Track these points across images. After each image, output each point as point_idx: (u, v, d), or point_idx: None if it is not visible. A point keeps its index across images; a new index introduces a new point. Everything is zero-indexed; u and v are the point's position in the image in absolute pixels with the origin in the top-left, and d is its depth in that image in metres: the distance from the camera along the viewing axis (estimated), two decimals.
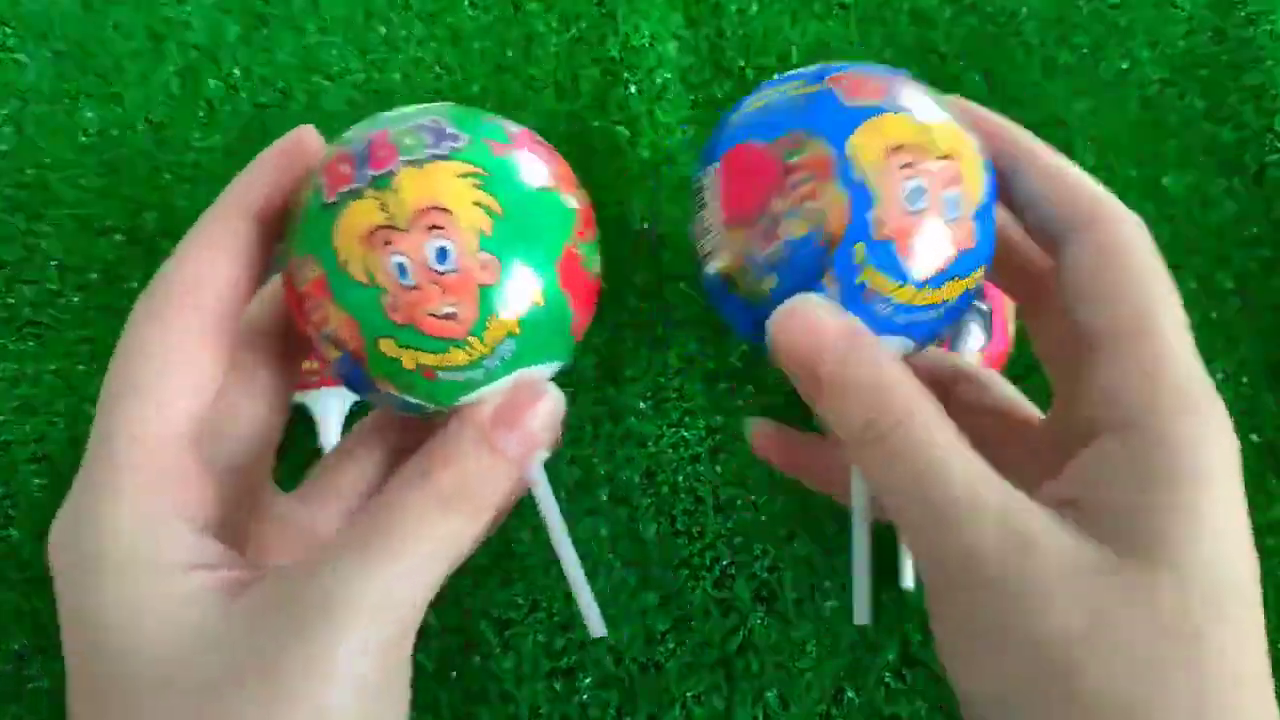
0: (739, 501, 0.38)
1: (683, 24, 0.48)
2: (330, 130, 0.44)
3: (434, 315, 0.20)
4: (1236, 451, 0.19)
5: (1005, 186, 0.23)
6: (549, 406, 0.21)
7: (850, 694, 0.35)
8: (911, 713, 0.35)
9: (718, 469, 0.39)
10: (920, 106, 0.22)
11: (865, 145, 0.20)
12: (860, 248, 0.20)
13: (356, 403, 0.37)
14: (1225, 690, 0.17)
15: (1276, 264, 0.43)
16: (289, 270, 0.22)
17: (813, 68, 0.23)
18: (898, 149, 0.20)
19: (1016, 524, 0.18)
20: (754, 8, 0.48)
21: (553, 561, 0.38)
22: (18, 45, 0.45)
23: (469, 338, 0.20)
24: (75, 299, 0.40)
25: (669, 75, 0.46)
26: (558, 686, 0.35)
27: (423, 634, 0.37)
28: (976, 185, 0.21)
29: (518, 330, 0.21)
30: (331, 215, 0.20)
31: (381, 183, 0.20)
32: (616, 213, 0.44)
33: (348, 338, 0.20)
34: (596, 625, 0.23)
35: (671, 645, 0.36)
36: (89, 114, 0.44)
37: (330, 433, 0.36)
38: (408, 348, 0.20)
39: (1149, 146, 0.45)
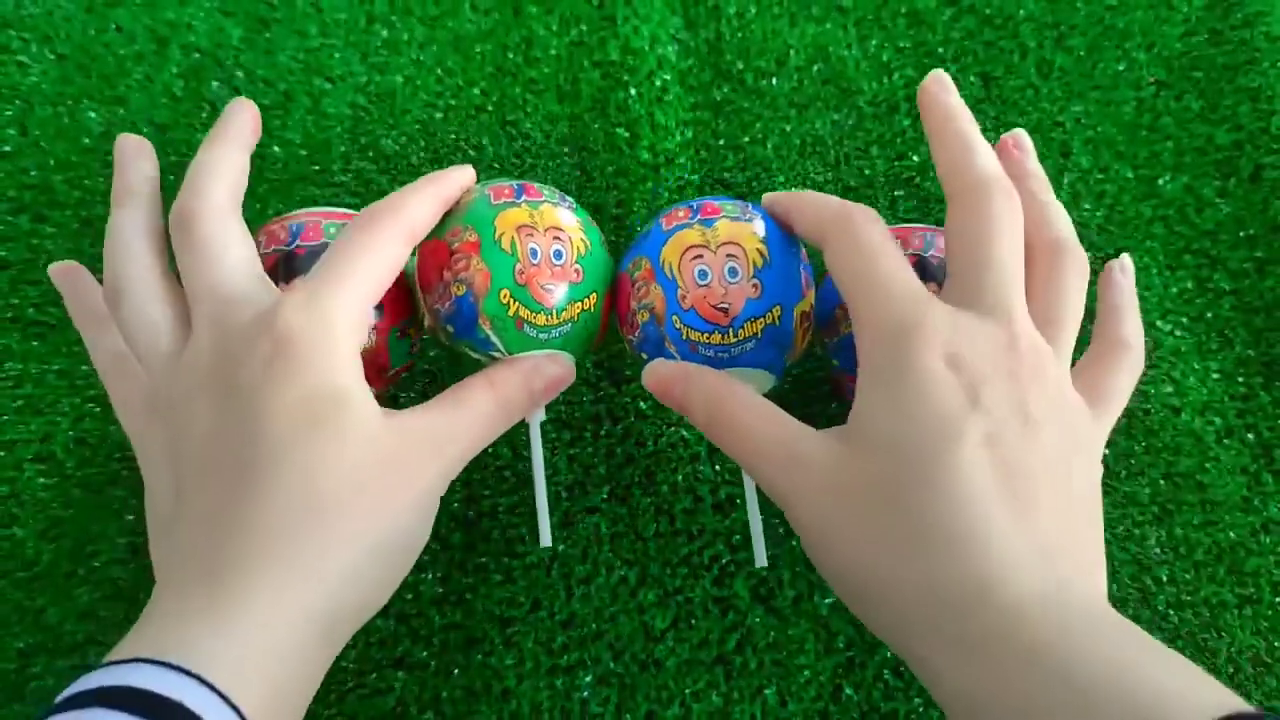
0: (738, 500, 0.38)
1: (682, 27, 0.48)
2: (331, 130, 0.44)
3: (541, 286, 0.32)
4: (932, 332, 0.26)
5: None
6: (560, 371, 0.34)
7: (849, 691, 0.35)
8: (909, 710, 0.35)
9: (717, 468, 0.39)
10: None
11: (669, 252, 0.32)
12: (676, 318, 0.32)
13: None
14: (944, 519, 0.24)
15: (1271, 265, 0.43)
16: (446, 235, 0.33)
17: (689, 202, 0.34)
18: (689, 249, 0.32)
19: (798, 449, 0.28)
20: (753, 10, 0.49)
21: (553, 560, 0.38)
22: (21, 48, 0.45)
23: (553, 309, 0.32)
24: None
25: (668, 78, 0.47)
26: (558, 683, 0.35)
27: (425, 631, 0.37)
28: (754, 257, 0.32)
29: (576, 319, 0.33)
30: (496, 211, 0.33)
31: (532, 204, 0.33)
32: (616, 214, 0.44)
33: (479, 283, 0.32)
34: (545, 537, 0.33)
35: (671, 643, 0.36)
36: (92, 116, 0.44)
37: None
38: (516, 300, 0.32)
39: (1145, 148, 0.46)
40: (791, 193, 0.33)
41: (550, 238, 0.33)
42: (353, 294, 0.29)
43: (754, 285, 0.31)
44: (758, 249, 0.32)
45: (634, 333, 0.33)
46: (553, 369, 0.33)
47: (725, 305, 0.31)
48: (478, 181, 0.35)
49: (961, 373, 0.25)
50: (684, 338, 0.31)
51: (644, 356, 0.33)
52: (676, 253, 0.32)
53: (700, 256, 0.31)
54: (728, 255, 0.31)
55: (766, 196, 0.33)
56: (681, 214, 0.33)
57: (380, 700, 0.36)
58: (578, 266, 0.33)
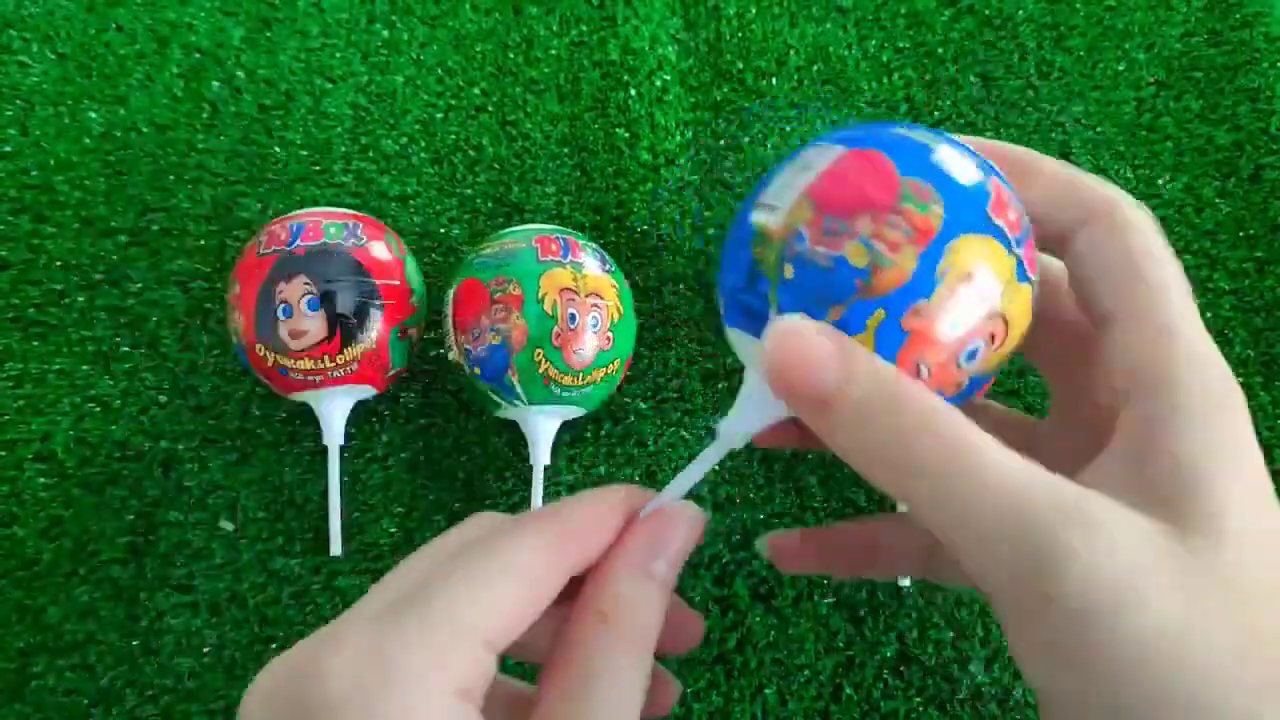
0: (738, 500, 0.38)
1: (681, 27, 0.48)
2: (332, 130, 0.44)
3: (574, 351, 0.34)
4: (1247, 417, 0.19)
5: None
6: (688, 525, 0.22)
7: (848, 690, 0.35)
8: (909, 709, 0.35)
9: (716, 468, 0.39)
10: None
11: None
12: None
13: (359, 402, 0.37)
14: None
15: (1271, 265, 0.43)
16: (490, 281, 0.35)
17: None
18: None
19: (1082, 510, 0.17)
20: (752, 11, 0.49)
21: None
22: (22, 48, 0.45)
23: (580, 371, 0.35)
24: (80, 299, 0.41)
25: (668, 78, 0.47)
26: None
27: None
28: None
29: (599, 381, 0.35)
30: (542, 269, 0.35)
31: (576, 266, 0.35)
32: (617, 214, 0.44)
33: (516, 338, 0.34)
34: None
35: None
36: (93, 116, 0.44)
37: (333, 430, 0.36)
38: (548, 360, 0.34)
39: (1145, 148, 0.46)
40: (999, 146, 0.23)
41: (590, 304, 0.35)
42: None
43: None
44: (1017, 347, 0.22)
45: (822, 247, 0.21)
46: (679, 547, 0.22)
47: (922, 370, 0.21)
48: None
49: None
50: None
51: (787, 272, 0.22)
52: (971, 263, 0.21)
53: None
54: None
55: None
56: (1010, 214, 0.21)
57: None
58: (610, 334, 0.35)
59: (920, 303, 0.20)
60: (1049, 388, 0.24)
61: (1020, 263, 0.20)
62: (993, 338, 0.20)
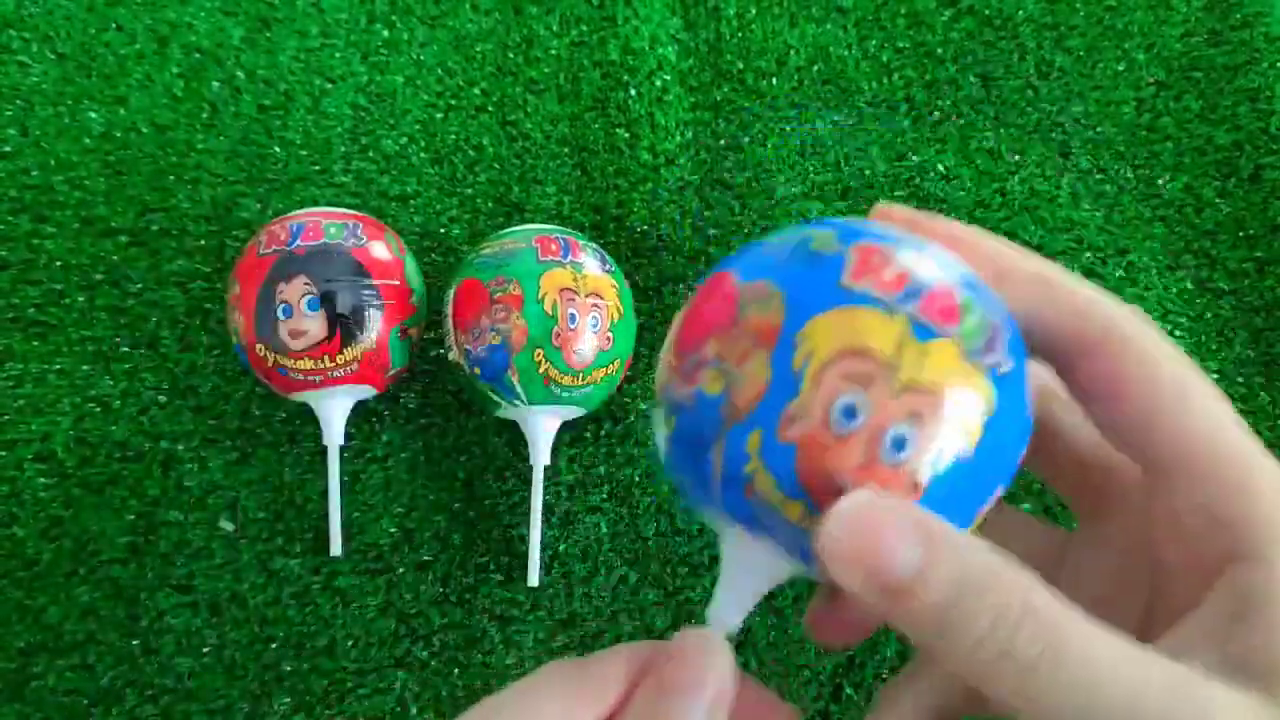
0: None
1: (681, 27, 0.48)
2: (332, 130, 0.44)
3: (574, 351, 0.34)
4: None
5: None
6: (722, 670, 0.19)
7: (849, 691, 0.35)
8: None
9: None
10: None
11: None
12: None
13: (359, 402, 0.37)
14: None
15: (1271, 265, 0.43)
16: (492, 281, 0.35)
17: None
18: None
19: (1210, 709, 0.15)
20: (752, 11, 0.49)
21: (553, 560, 0.38)
22: (22, 48, 0.45)
23: (580, 371, 0.35)
24: (79, 299, 0.41)
25: (668, 78, 0.47)
26: None
27: (424, 631, 0.37)
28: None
29: (599, 382, 0.35)
30: (542, 269, 0.35)
31: (576, 266, 0.35)
32: (617, 214, 0.44)
33: (516, 338, 0.34)
34: (533, 577, 0.35)
35: None
36: (93, 116, 0.44)
37: (333, 430, 0.36)
38: (548, 360, 0.34)
39: (1145, 148, 0.46)
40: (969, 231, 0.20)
41: (590, 304, 0.35)
42: None
43: (915, 484, 0.18)
44: (967, 431, 0.18)
45: (683, 387, 0.19)
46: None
47: (846, 482, 0.18)
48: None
49: None
50: (746, 469, 0.18)
51: (665, 426, 0.20)
52: (835, 343, 0.18)
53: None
54: (909, 415, 0.17)
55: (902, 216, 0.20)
56: (887, 273, 0.18)
57: (380, 700, 0.36)
58: (610, 334, 0.35)
59: (790, 407, 0.17)
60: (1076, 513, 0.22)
61: (914, 321, 0.17)
62: (918, 415, 0.16)
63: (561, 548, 0.38)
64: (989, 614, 0.15)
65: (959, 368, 0.17)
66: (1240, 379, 0.41)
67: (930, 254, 0.18)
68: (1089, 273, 0.43)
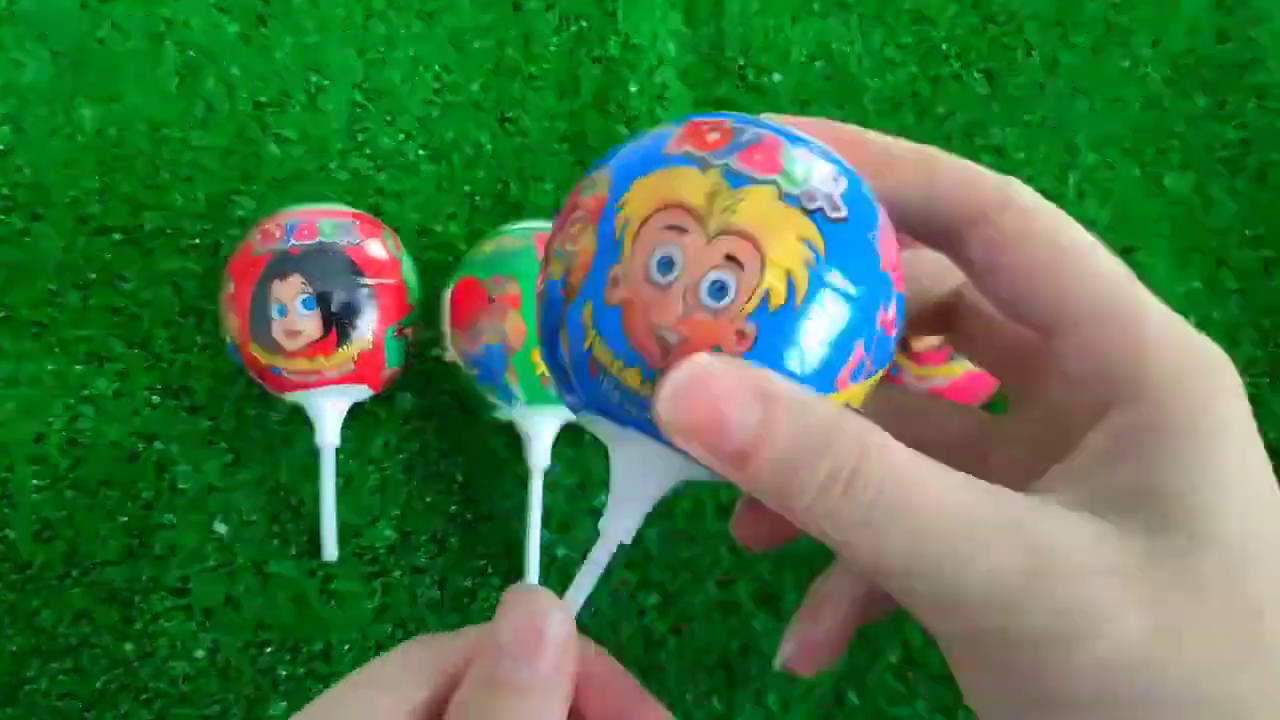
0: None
1: (682, 23, 0.48)
2: (328, 127, 0.43)
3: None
4: (1241, 390, 0.17)
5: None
6: (561, 621, 0.18)
7: (852, 696, 0.35)
8: (913, 714, 0.35)
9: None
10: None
11: (638, 197, 0.17)
12: (588, 308, 0.17)
13: (356, 404, 0.37)
14: None
15: (1278, 264, 0.43)
16: (490, 280, 0.33)
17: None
18: (668, 208, 0.17)
19: (1039, 538, 0.15)
20: (754, 6, 0.48)
21: (551, 563, 0.37)
22: (15, 45, 0.45)
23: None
24: (73, 298, 0.40)
25: (669, 74, 0.46)
26: None
27: (423, 634, 0.36)
28: (772, 280, 0.17)
29: None
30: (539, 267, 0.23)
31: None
32: None
33: (513, 338, 0.31)
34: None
35: (673, 647, 0.36)
36: (87, 113, 0.44)
37: (328, 432, 0.36)
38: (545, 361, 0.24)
39: (1151, 146, 0.45)
40: (857, 131, 0.19)
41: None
42: None
43: (740, 331, 0.17)
44: (788, 271, 0.17)
45: (539, 283, 0.19)
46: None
47: (672, 335, 0.17)
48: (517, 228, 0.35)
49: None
50: (585, 344, 0.18)
51: (537, 330, 0.20)
52: (652, 201, 0.17)
53: (680, 232, 0.17)
54: (726, 258, 0.17)
55: (804, 123, 0.19)
56: (711, 136, 0.18)
57: None
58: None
59: (613, 270, 0.17)
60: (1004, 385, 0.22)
61: (728, 172, 0.16)
62: (734, 259, 0.16)
63: (560, 551, 0.38)
64: (824, 471, 0.15)
65: (775, 209, 0.16)
66: (1248, 379, 0.41)
67: (774, 124, 0.18)
68: None
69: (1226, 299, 0.42)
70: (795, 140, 0.17)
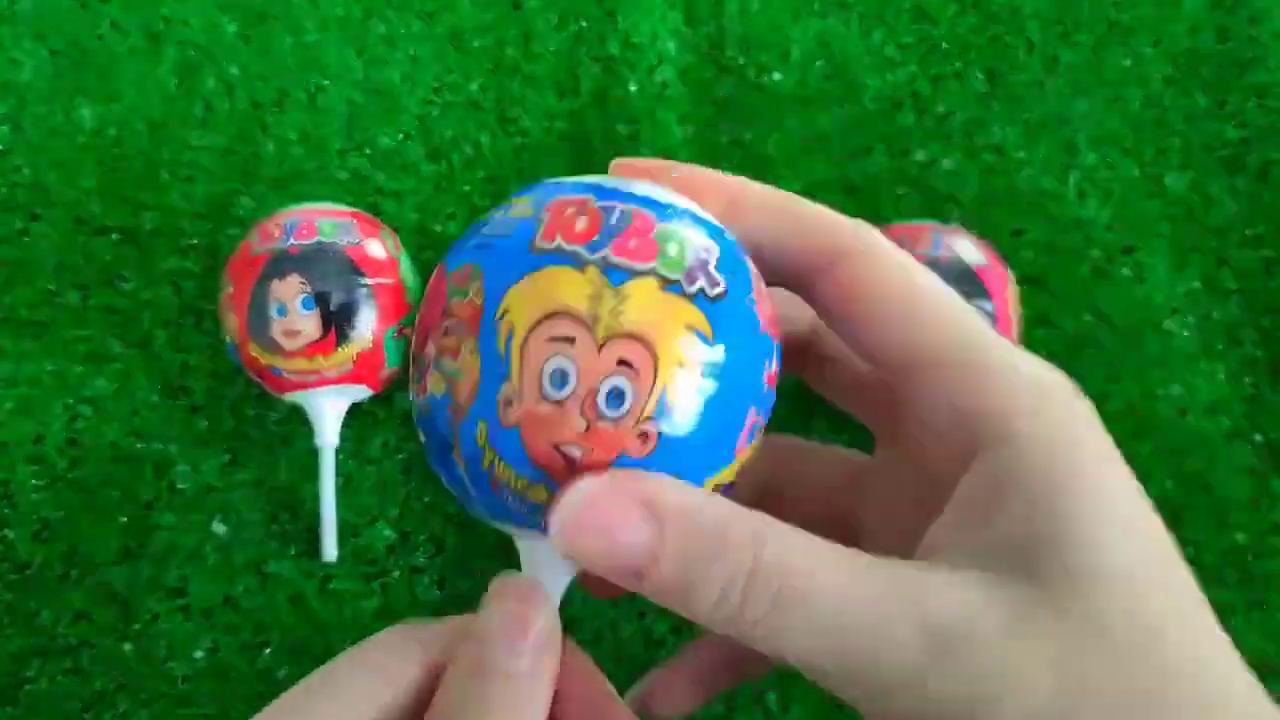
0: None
1: (683, 22, 0.47)
2: (327, 127, 0.43)
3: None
4: (1093, 413, 0.18)
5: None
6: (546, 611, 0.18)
7: None
8: None
9: None
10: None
11: (517, 301, 0.17)
12: (483, 428, 0.17)
13: (355, 404, 0.37)
14: (1203, 682, 0.16)
15: (1279, 263, 0.43)
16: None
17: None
18: (552, 317, 0.16)
19: (939, 616, 0.15)
20: (755, 5, 0.48)
21: None
22: (14, 44, 0.45)
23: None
24: (72, 298, 0.40)
25: (669, 74, 0.46)
26: None
27: None
28: (666, 375, 0.17)
29: None
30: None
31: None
32: None
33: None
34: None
35: (672, 648, 0.36)
36: (86, 113, 0.44)
37: (327, 432, 0.36)
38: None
39: (1151, 145, 0.45)
40: (706, 175, 0.20)
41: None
42: None
43: (643, 434, 0.16)
44: (686, 357, 0.16)
45: (419, 395, 0.18)
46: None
47: (576, 450, 0.16)
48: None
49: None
50: (485, 464, 0.17)
51: (420, 437, 0.19)
52: (534, 312, 0.16)
53: (569, 343, 0.16)
54: (619, 363, 0.16)
55: (663, 170, 0.20)
56: (579, 223, 0.17)
57: None
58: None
59: (505, 388, 0.16)
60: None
61: (605, 267, 0.16)
62: (627, 363, 0.16)
63: None
64: (720, 579, 0.15)
65: (660, 303, 0.16)
66: (1249, 379, 0.40)
67: (635, 192, 0.17)
68: (1095, 271, 0.42)
69: (1226, 299, 0.42)
70: (663, 212, 0.17)
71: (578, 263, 0.16)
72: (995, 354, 0.18)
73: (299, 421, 0.39)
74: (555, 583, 0.18)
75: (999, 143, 0.45)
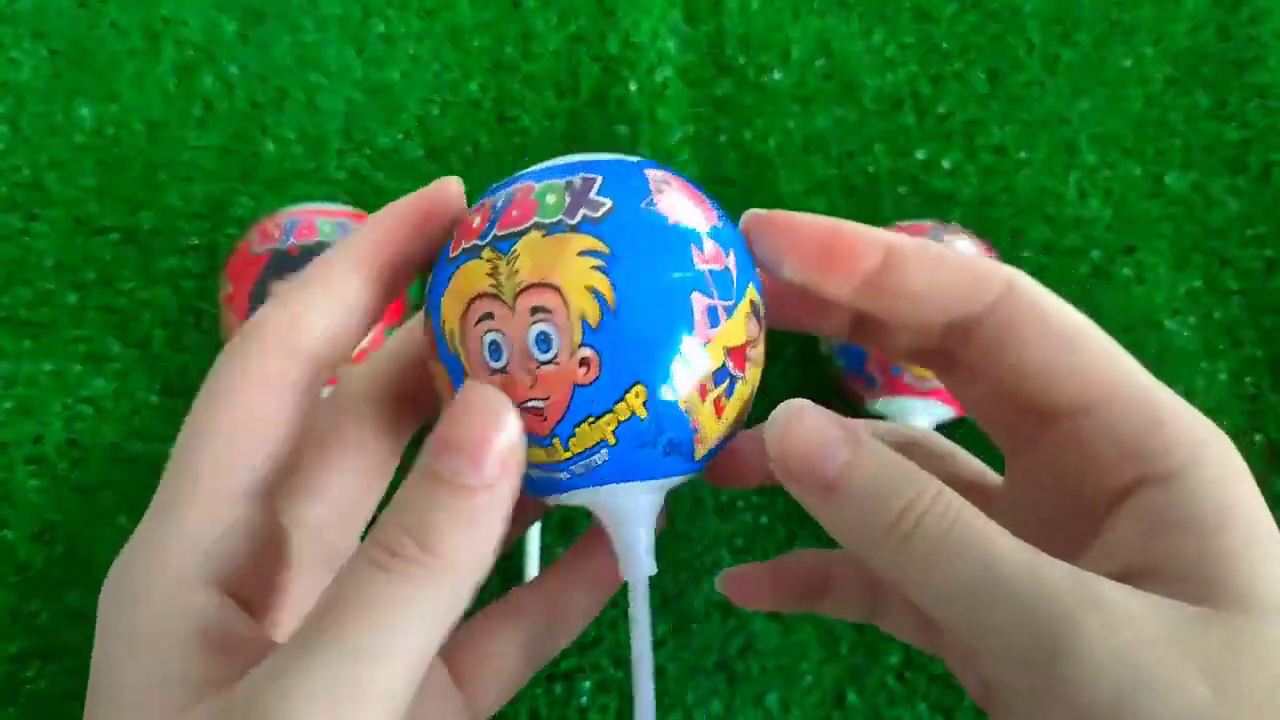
0: (739, 504, 0.38)
1: (682, 21, 0.47)
2: (326, 126, 0.43)
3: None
4: (1248, 471, 0.19)
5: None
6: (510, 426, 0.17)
7: (852, 697, 0.35)
8: (913, 716, 0.35)
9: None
10: None
11: (449, 307, 0.18)
12: None
13: None
14: None
15: None
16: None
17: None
18: (476, 300, 0.18)
19: (1103, 598, 0.16)
20: (755, 4, 0.48)
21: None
22: (13, 43, 0.44)
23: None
24: (71, 298, 0.40)
25: (669, 73, 0.46)
26: (557, 690, 0.35)
27: None
28: (580, 306, 0.17)
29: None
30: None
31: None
32: None
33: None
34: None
35: (672, 648, 0.36)
36: (85, 112, 0.43)
37: None
38: None
39: (1152, 145, 0.45)
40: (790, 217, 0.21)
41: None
42: None
43: (582, 360, 0.17)
44: (589, 287, 0.17)
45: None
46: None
47: (538, 401, 0.17)
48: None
49: None
50: None
51: None
52: (458, 308, 0.18)
53: (490, 317, 0.17)
54: (533, 312, 0.17)
55: (755, 218, 0.21)
56: (475, 221, 0.18)
57: None
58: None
59: (466, 381, 0.18)
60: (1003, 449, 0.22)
61: (495, 242, 0.17)
62: (541, 309, 0.17)
63: (560, 551, 0.38)
64: (901, 502, 0.17)
65: (545, 246, 0.17)
66: (1249, 379, 0.40)
67: (532, 173, 0.19)
68: (1095, 271, 0.42)
69: (1227, 299, 0.42)
70: (540, 174, 0.19)
71: (476, 254, 0.18)
72: (1163, 394, 0.19)
73: None
74: (641, 531, 0.19)
75: (999, 143, 0.45)
